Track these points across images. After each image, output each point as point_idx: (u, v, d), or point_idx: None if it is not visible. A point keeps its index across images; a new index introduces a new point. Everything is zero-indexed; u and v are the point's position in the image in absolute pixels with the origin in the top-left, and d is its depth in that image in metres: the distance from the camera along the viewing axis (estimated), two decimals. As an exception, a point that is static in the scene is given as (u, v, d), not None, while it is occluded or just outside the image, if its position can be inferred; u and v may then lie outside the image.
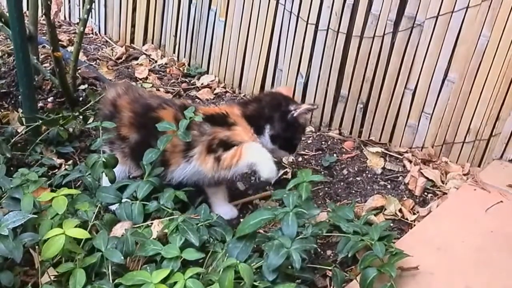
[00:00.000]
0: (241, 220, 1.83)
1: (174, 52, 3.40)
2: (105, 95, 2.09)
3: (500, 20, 2.15)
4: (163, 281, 1.37)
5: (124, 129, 1.93)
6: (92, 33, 3.72)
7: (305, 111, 1.90)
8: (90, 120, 2.36)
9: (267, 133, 1.91)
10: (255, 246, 1.53)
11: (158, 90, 3.02)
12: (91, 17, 3.63)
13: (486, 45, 2.20)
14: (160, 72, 3.27)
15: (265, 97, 2.06)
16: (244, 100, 2.56)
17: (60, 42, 3.22)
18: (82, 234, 1.44)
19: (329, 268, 1.66)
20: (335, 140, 2.64)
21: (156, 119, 1.87)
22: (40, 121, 2.24)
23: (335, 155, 2.49)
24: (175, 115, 1.89)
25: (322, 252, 1.85)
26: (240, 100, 2.90)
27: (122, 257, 1.46)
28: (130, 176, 2.07)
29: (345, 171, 2.38)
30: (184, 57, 3.35)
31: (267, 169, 1.74)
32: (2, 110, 2.55)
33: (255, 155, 1.76)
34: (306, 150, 2.54)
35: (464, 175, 2.31)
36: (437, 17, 2.29)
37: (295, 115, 1.87)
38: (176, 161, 1.86)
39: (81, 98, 2.66)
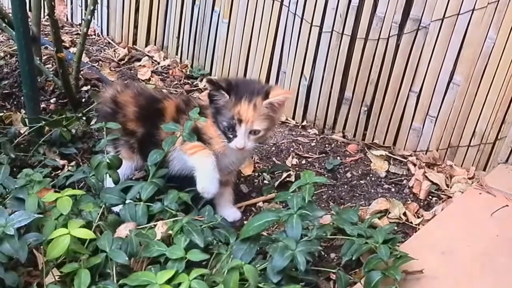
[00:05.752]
0: (244, 222, 1.83)
1: (177, 53, 3.40)
2: (103, 94, 2.10)
3: (506, 22, 2.15)
4: (168, 282, 1.36)
5: (131, 124, 1.93)
6: (95, 35, 3.71)
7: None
8: (93, 121, 2.36)
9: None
10: (258, 248, 1.53)
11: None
12: (94, 18, 3.62)
13: (492, 48, 2.20)
14: (163, 74, 3.27)
15: None
16: None
17: (62, 43, 3.21)
18: (87, 234, 1.45)
19: (333, 271, 1.65)
20: (339, 143, 2.63)
21: (161, 110, 1.90)
22: (43, 122, 2.23)
23: (338, 158, 2.48)
24: (178, 104, 1.91)
25: (326, 255, 1.84)
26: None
27: (127, 258, 1.46)
28: (133, 178, 2.07)
29: (348, 174, 2.37)
30: (187, 58, 3.34)
31: (202, 183, 1.77)
32: (5, 111, 2.54)
33: (201, 166, 1.79)
34: (309, 153, 2.53)
35: (469, 179, 2.30)
36: (442, 20, 2.28)
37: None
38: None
39: (83, 100, 2.66)
